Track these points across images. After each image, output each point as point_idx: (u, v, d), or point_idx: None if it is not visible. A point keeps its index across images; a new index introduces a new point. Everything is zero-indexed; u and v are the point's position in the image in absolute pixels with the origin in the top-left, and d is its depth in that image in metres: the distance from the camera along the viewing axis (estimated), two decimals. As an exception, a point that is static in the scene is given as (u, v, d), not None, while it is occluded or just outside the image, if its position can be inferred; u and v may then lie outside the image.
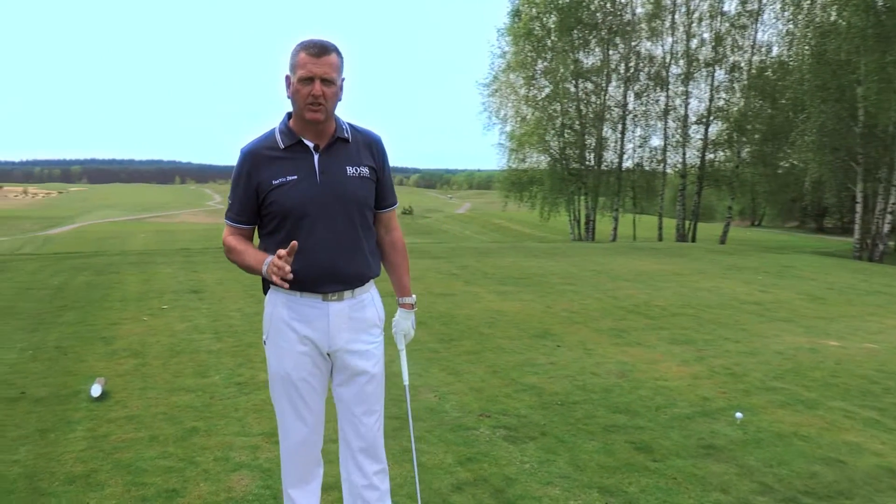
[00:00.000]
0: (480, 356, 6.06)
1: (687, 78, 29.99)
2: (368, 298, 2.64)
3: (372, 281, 2.67)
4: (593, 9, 30.74)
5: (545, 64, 31.47)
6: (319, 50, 2.38)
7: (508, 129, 33.05)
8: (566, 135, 31.67)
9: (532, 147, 31.80)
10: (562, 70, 30.29)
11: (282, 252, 2.28)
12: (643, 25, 30.84)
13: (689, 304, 8.80)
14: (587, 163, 31.90)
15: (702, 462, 3.89)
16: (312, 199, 2.43)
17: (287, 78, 2.44)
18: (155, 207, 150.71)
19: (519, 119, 32.62)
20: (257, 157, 2.46)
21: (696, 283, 10.87)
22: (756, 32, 28.87)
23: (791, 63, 26.42)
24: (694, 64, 29.82)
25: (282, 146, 2.47)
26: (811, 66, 23.62)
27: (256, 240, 2.60)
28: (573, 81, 31.13)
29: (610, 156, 32.44)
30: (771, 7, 28.14)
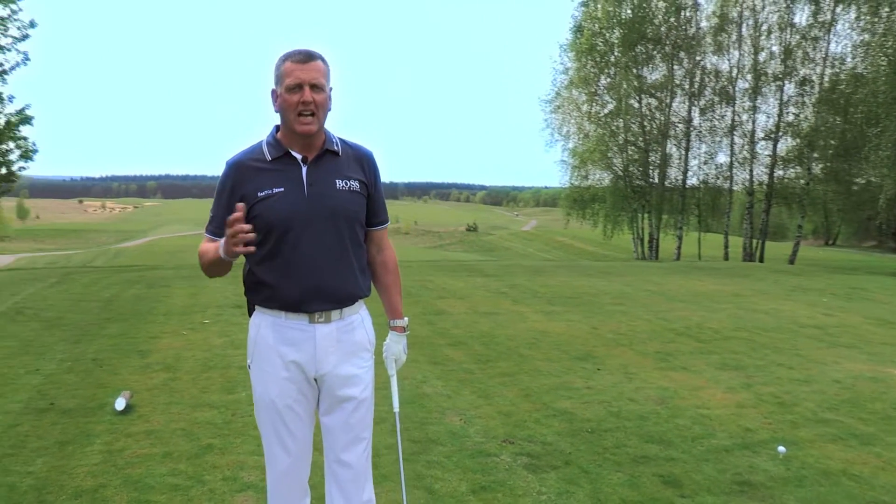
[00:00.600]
0: (515, 378, 5.87)
1: (754, 93, 29.01)
2: (358, 320, 2.50)
3: (362, 301, 2.54)
4: (657, 23, 30.16)
5: (608, 80, 31.05)
6: (305, 57, 2.31)
7: (571, 145, 32.69)
8: (629, 151, 31.08)
9: (594, 164, 31.33)
10: (625, 86, 29.78)
11: (228, 219, 2.16)
12: (708, 39, 30.03)
13: (743, 327, 8.39)
14: (651, 180, 31.20)
15: (734, 499, 3.62)
16: (299, 212, 2.32)
17: (273, 92, 2.36)
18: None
19: (581, 136, 32.21)
20: (242, 169, 2.37)
21: (756, 304, 10.39)
22: (828, 44, 27.79)
23: (867, 74, 25.27)
24: (762, 78, 28.82)
25: (269, 158, 2.37)
26: (888, 76, 22.57)
27: (241, 259, 2.49)
28: (637, 97, 30.58)
29: (674, 173, 31.62)
30: (845, 17, 27.07)
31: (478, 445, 4.31)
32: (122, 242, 60.69)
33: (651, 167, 31.23)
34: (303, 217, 2.33)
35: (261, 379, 2.43)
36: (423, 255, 21.01)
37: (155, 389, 5.27)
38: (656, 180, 31.18)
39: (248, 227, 2.15)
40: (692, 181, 31.55)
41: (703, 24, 30.33)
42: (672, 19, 30.17)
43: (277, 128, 2.43)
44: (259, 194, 2.32)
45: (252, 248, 2.18)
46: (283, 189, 2.33)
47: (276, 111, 2.37)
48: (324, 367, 2.41)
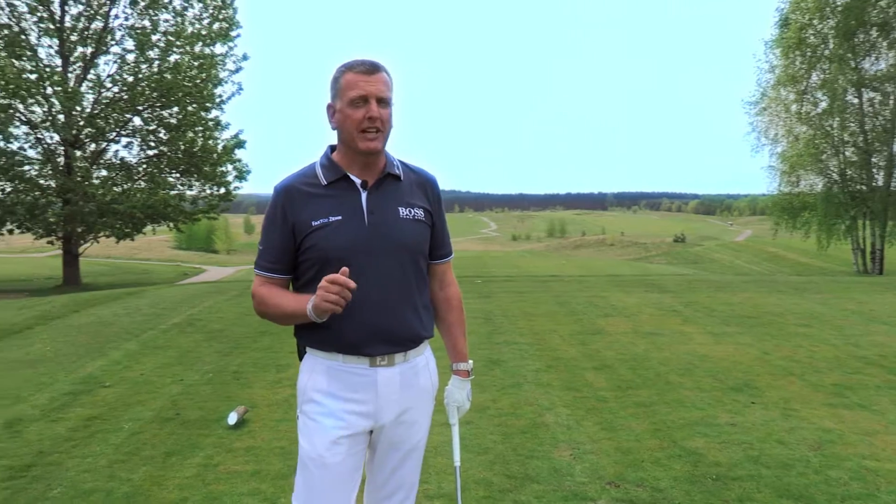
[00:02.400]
0: (651, 409, 5.33)
1: None
2: (422, 363, 2.28)
3: (426, 342, 2.31)
4: (883, 5, 26.79)
5: (821, 75, 28.15)
6: (370, 67, 2.09)
7: (779, 149, 30.02)
8: (846, 153, 27.93)
9: (805, 168, 28.50)
10: (841, 80, 26.83)
11: (332, 276, 1.95)
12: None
13: (958, 359, 7.05)
14: (874, 183, 27.78)
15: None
16: (359, 243, 2.10)
17: (329, 107, 2.16)
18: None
19: (791, 138, 29.47)
20: (294, 195, 2.14)
21: None
22: None
23: None
24: None
25: (324, 182, 2.14)
26: None
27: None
28: (855, 92, 27.41)
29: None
30: None
31: (578, 487, 3.92)
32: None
33: (874, 169, 27.82)
34: (363, 249, 2.10)
35: (309, 431, 2.17)
36: (612, 269, 20.25)
37: (274, 405, 5.41)
38: (880, 183, 27.70)
39: (353, 284, 1.96)
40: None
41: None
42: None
43: (332, 148, 2.23)
44: (313, 223, 2.10)
45: (339, 309, 1.98)
46: (340, 217, 2.11)
47: (334, 128, 2.17)
48: (383, 418, 2.19)
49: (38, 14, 23.68)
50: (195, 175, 26.96)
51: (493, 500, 3.77)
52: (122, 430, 4.92)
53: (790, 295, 11.62)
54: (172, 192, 26.63)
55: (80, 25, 24.51)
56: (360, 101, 2.07)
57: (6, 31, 23.12)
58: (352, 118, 2.07)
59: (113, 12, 24.85)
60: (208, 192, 27.62)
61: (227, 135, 27.32)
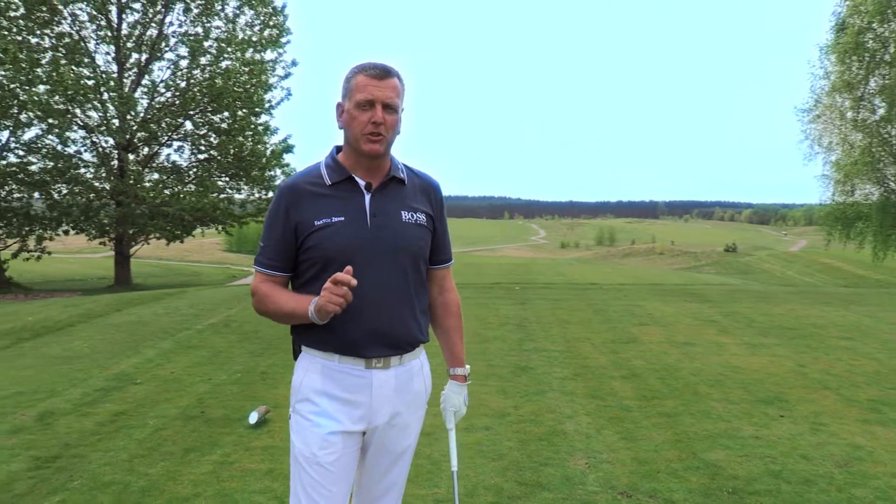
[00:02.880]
0: (674, 420, 5.22)
1: None
2: (417, 366, 2.29)
3: (422, 346, 2.32)
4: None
5: (880, 81, 27.27)
6: (381, 72, 2.11)
7: (833, 158, 29.19)
8: (906, 161, 27.04)
9: (861, 177, 27.63)
10: (902, 85, 25.97)
11: (338, 275, 1.96)
12: None
13: None
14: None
15: None
16: (360, 244, 2.11)
17: (339, 106, 2.17)
18: (480, 241, 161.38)
19: (846, 146, 28.61)
20: (298, 193, 2.14)
21: None
22: None
23: None
24: None
25: (328, 182, 2.15)
26: None
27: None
28: (916, 98, 26.52)
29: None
30: None
31: (589, 496, 3.86)
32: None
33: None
34: (365, 251, 2.11)
35: (302, 430, 2.17)
36: (656, 278, 19.95)
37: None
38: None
39: (355, 282, 1.97)
40: None
41: None
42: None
43: (338, 149, 2.25)
44: (316, 223, 2.11)
45: (339, 308, 2.00)
46: (343, 218, 2.12)
47: (340, 127, 2.18)
48: (377, 419, 2.19)
49: (98, 22, 24.45)
50: (244, 179, 27.44)
51: (505, 505, 3.74)
52: (147, 426, 5.03)
53: (836, 307, 11.27)
54: (221, 196, 27.15)
55: (136, 33, 25.22)
56: (367, 105, 2.08)
57: (67, 40, 23.92)
58: (358, 120, 2.09)
59: (167, 20, 25.50)
60: (256, 195, 28.10)
61: (275, 139, 27.78)
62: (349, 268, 1.98)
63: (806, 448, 4.63)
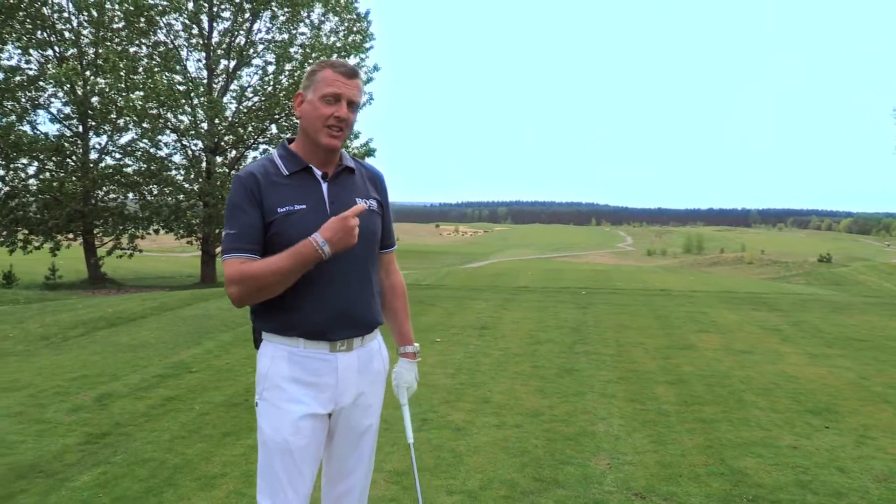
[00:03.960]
0: (711, 426, 5.12)
1: None
2: (376, 347, 2.39)
3: (378, 328, 2.42)
4: None
5: None
6: (350, 70, 2.21)
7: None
8: None
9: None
10: None
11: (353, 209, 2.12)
12: None
13: None
14: None
15: None
16: None
17: (299, 95, 2.24)
18: (566, 247, 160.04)
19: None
20: (259, 180, 2.18)
21: None
22: None
23: None
24: None
25: (285, 172, 2.21)
26: None
27: None
28: None
29: None
30: None
31: (603, 495, 3.85)
32: (465, 264, 65.58)
33: None
34: None
35: (272, 417, 2.21)
36: (734, 286, 19.31)
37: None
38: None
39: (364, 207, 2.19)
40: None
41: None
42: None
43: (289, 140, 2.32)
44: (279, 210, 2.16)
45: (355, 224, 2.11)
46: (304, 206, 2.18)
47: (299, 117, 2.24)
48: (343, 400, 2.28)
49: (190, 31, 25.65)
50: (327, 182, 28.18)
51: (512, 500, 3.78)
52: (193, 410, 5.31)
53: (918, 319, 10.68)
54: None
55: (226, 40, 26.31)
56: (334, 99, 2.17)
57: (162, 48, 25.21)
58: (321, 112, 2.17)
59: (255, 27, 26.51)
60: (340, 199, 28.79)
61: (357, 143, 28.40)
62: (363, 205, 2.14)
63: (845, 460, 4.45)
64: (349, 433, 2.35)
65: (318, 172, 2.25)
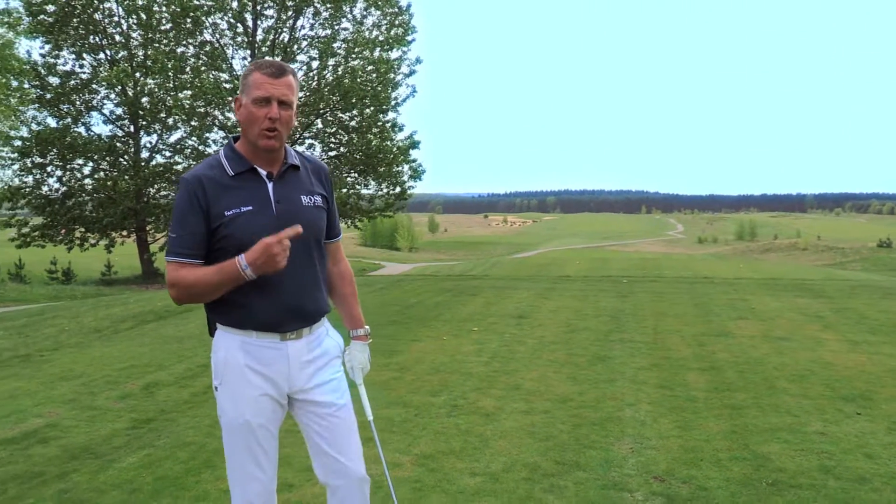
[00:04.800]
0: (739, 412, 5.14)
1: None
2: (324, 332, 2.52)
3: (325, 316, 2.55)
4: None
5: None
6: (277, 70, 2.28)
7: None
8: None
9: None
10: None
11: (273, 237, 2.17)
12: None
13: None
14: None
15: None
16: (270, 230, 2.22)
17: (237, 100, 2.33)
18: (615, 236, 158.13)
19: None
20: (205, 184, 2.27)
21: None
22: None
23: None
24: None
25: (231, 173, 2.30)
26: None
27: None
28: None
29: None
30: None
31: (622, 478, 3.93)
32: (513, 254, 65.39)
33: None
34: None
35: (232, 400, 2.36)
36: (782, 273, 18.92)
37: (372, 385, 5.72)
38: None
39: (300, 230, 2.23)
40: None
41: None
42: None
43: (235, 139, 2.40)
44: (227, 213, 2.25)
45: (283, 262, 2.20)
46: (251, 207, 2.28)
47: (238, 120, 2.33)
48: (297, 383, 2.40)
49: (235, 30, 26.20)
50: (371, 175, 28.49)
51: (532, 482, 3.89)
52: (233, 397, 5.54)
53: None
54: (350, 192, 28.32)
55: (270, 38, 26.78)
56: (264, 102, 2.24)
57: (208, 47, 25.81)
58: (254, 115, 2.25)
59: (298, 24, 26.91)
60: (385, 190, 29.10)
61: (401, 136, 28.66)
62: (298, 228, 2.21)
63: (874, 447, 4.43)
64: (317, 410, 2.44)
65: (263, 172, 2.33)
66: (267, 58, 2.42)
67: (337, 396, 2.49)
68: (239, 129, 2.38)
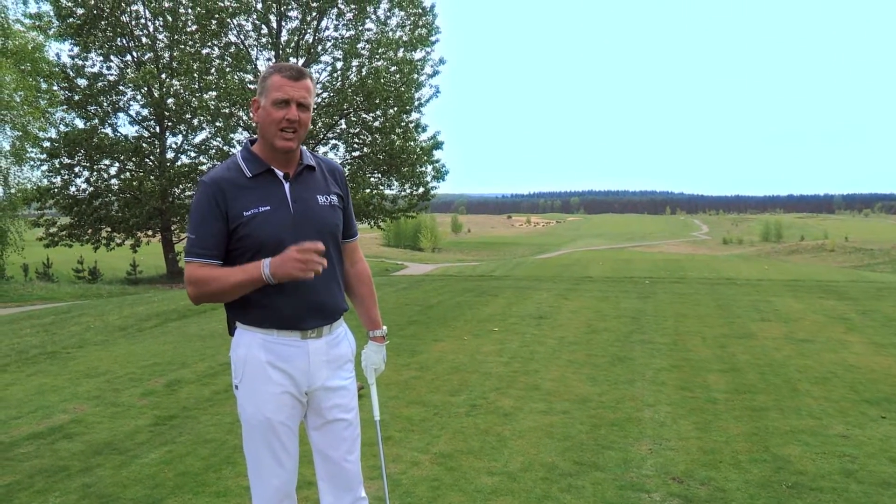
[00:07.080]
0: (760, 414, 5.10)
1: None
2: (342, 333, 2.55)
3: (343, 314, 2.57)
4: None
5: None
6: (296, 73, 2.32)
7: None
8: None
9: None
10: None
11: (309, 245, 2.17)
12: None
13: None
14: None
15: None
16: (288, 230, 2.29)
17: (255, 102, 2.38)
18: (639, 237, 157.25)
19: None
20: (224, 186, 2.32)
21: None
22: None
23: None
24: None
25: (249, 175, 2.35)
26: None
27: None
28: None
29: None
30: None
31: (639, 479, 3.92)
32: (536, 255, 65.24)
33: None
34: (291, 235, 2.30)
35: (253, 398, 2.38)
36: (805, 275, 18.74)
37: (392, 385, 5.84)
38: None
39: (321, 247, 2.20)
40: None
41: None
42: None
43: (251, 142, 2.45)
44: (245, 214, 2.29)
45: (314, 273, 2.20)
46: (269, 207, 2.32)
47: (255, 122, 2.37)
48: (316, 382, 2.43)
49: (259, 31, 26.43)
50: (395, 175, 28.57)
51: (549, 482, 3.89)
52: (254, 395, 5.60)
53: None
54: (373, 192, 28.42)
55: (295, 39, 26.97)
56: (283, 104, 2.28)
57: (233, 48, 26.06)
58: (273, 117, 2.29)
59: (322, 25, 27.07)
60: (408, 191, 29.17)
61: (424, 136, 28.70)
62: (319, 243, 2.20)
63: (896, 450, 4.39)
64: (327, 415, 2.46)
65: (280, 173, 2.38)
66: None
67: (348, 400, 2.52)
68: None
